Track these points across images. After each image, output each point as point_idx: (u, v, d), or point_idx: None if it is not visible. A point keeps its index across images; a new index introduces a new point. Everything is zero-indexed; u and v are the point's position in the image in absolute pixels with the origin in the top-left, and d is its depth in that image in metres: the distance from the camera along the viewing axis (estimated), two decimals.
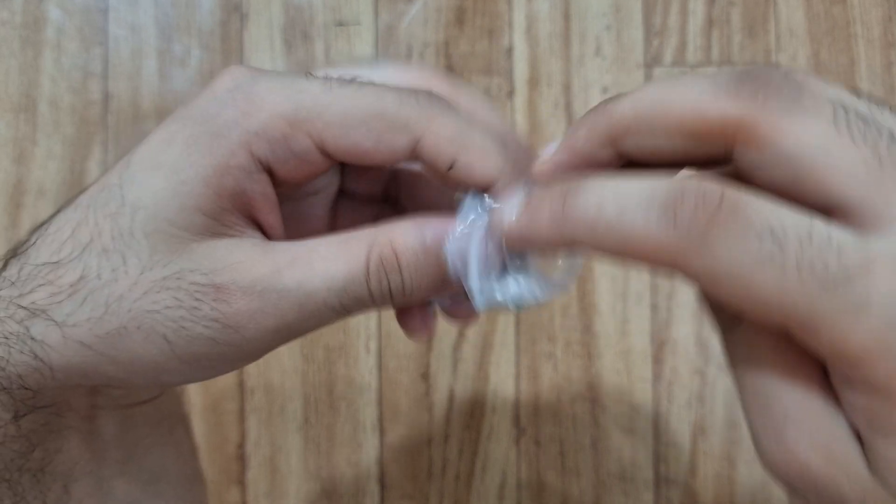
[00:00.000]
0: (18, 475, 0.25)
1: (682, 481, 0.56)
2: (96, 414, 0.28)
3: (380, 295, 0.23)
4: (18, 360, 0.23)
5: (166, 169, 0.23)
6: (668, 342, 0.57)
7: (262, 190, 0.23)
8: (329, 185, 0.28)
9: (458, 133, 0.23)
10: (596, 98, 0.58)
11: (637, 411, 0.57)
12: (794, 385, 0.18)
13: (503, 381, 0.57)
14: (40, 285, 0.23)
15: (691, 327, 0.57)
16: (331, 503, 0.56)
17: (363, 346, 0.57)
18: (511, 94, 0.58)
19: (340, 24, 0.59)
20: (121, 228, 0.23)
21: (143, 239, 0.23)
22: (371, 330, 0.57)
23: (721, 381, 0.57)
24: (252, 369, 0.57)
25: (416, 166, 0.26)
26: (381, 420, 0.57)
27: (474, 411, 0.57)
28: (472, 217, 0.23)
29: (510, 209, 0.21)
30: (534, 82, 0.58)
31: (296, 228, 0.27)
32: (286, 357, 0.57)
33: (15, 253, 0.24)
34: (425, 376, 0.57)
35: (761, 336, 0.19)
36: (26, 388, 0.24)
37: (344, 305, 0.23)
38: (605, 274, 0.58)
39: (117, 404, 0.28)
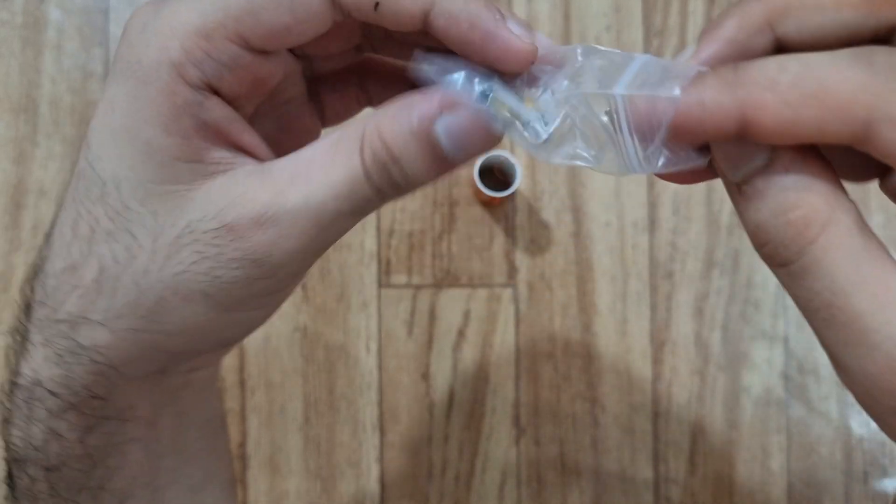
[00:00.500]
0: (77, 494, 0.25)
1: (681, 481, 0.56)
2: (158, 417, 0.27)
3: (386, 187, 0.22)
4: (79, 373, 0.23)
5: (124, 133, 0.22)
6: (667, 342, 0.57)
7: (221, 114, 0.22)
8: (294, 83, 0.26)
9: None
10: None
11: (637, 411, 0.57)
12: None
13: (503, 381, 0.57)
14: (67, 294, 0.23)
15: (691, 327, 0.57)
16: (331, 503, 0.56)
17: (363, 346, 0.57)
18: None
19: None
20: (114, 207, 0.22)
21: (140, 207, 0.22)
22: (371, 330, 0.57)
23: (721, 381, 0.57)
24: (252, 369, 0.57)
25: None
26: (381, 420, 0.57)
27: (474, 411, 0.57)
28: (459, 81, 0.21)
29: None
30: None
31: (290, 139, 0.26)
32: (286, 357, 0.57)
33: (35, 274, 0.24)
34: (425, 376, 0.57)
35: None
36: (95, 398, 0.23)
37: (356, 207, 0.22)
38: (605, 274, 0.58)
39: (186, 380, 0.28)
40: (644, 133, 0.20)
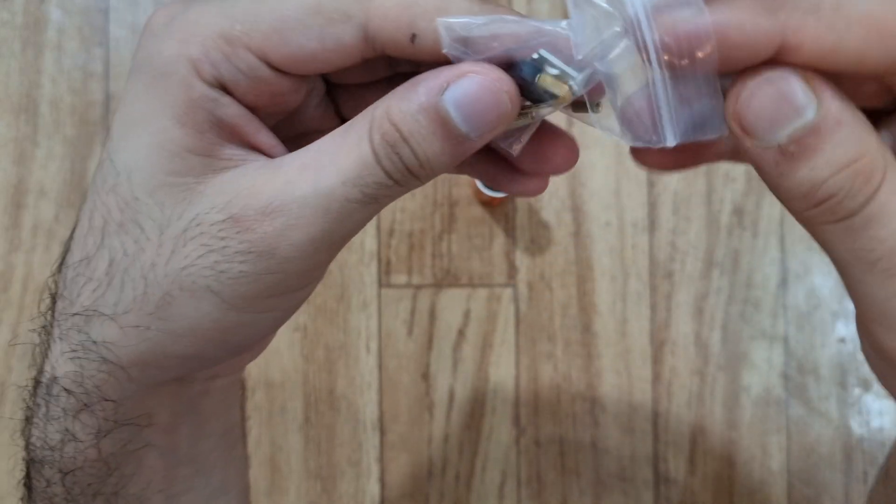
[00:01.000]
0: (92, 500, 0.25)
1: (681, 481, 0.56)
2: (177, 425, 0.27)
3: (397, 172, 0.21)
4: (91, 370, 0.23)
5: (140, 124, 0.22)
6: (667, 342, 0.57)
7: (237, 112, 0.22)
8: (317, 98, 0.25)
9: None
10: None
11: (637, 411, 0.57)
12: None
13: (503, 381, 0.57)
14: (83, 286, 0.23)
15: (691, 327, 0.57)
16: (331, 503, 0.56)
17: (363, 346, 0.57)
18: None
19: None
20: (125, 198, 0.22)
21: (149, 199, 0.22)
22: (371, 330, 0.57)
23: (720, 380, 0.57)
24: (252, 369, 0.57)
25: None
26: (381, 420, 0.57)
27: (474, 411, 0.57)
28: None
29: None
30: None
31: (307, 143, 0.26)
32: (286, 357, 0.57)
33: (59, 266, 0.24)
34: (425, 376, 0.57)
35: None
36: (107, 400, 0.23)
37: (366, 195, 0.21)
38: (604, 274, 0.58)
39: (205, 389, 0.27)
40: (674, 63, 0.18)
